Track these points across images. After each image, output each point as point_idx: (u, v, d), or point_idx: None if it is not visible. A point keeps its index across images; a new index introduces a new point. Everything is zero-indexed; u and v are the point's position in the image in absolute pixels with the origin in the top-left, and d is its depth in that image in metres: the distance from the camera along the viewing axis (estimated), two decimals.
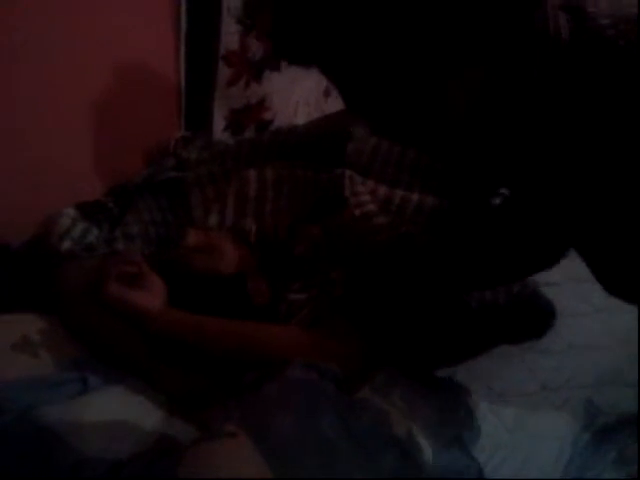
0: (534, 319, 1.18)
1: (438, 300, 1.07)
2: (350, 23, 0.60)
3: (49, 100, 1.22)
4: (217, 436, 0.70)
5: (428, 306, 1.04)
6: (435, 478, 0.84)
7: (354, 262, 1.08)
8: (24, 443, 0.80)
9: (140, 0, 1.31)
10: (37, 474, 0.77)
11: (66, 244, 1.16)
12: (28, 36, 1.13)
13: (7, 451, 0.79)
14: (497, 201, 1.14)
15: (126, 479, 0.73)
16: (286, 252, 1.13)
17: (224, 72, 1.51)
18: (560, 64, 0.63)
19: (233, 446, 0.67)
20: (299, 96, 1.79)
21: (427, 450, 0.87)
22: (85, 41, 1.23)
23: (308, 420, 0.69)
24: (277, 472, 0.65)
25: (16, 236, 1.20)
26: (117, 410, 0.86)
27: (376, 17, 0.59)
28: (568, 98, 0.65)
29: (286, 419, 0.69)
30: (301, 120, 1.82)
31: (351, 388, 0.85)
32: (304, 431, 0.68)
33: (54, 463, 0.78)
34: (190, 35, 1.42)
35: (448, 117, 0.66)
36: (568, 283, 1.31)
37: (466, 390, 0.99)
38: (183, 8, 1.37)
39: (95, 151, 1.34)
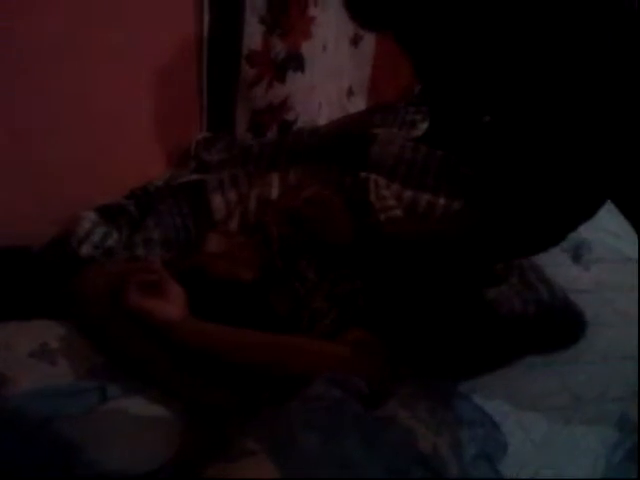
0: (565, 328, 1.15)
1: (464, 304, 1.04)
2: None
3: (70, 102, 1.20)
4: (237, 454, 0.67)
5: (455, 315, 1.02)
6: None
7: (377, 270, 1.05)
8: (43, 454, 0.78)
9: (161, 0, 1.29)
10: None
11: (86, 248, 1.16)
12: (48, 36, 1.11)
13: (25, 462, 0.78)
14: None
15: None
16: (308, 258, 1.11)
17: (247, 72, 1.48)
18: (632, 35, 0.63)
19: (253, 466, 0.65)
20: (322, 96, 1.77)
21: (453, 466, 0.84)
22: (106, 42, 1.22)
23: (331, 440, 0.67)
24: None
25: (37, 239, 1.19)
26: (136, 422, 0.84)
27: None
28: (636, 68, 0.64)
29: (309, 439, 0.66)
30: (324, 120, 1.80)
31: (376, 402, 0.83)
32: (327, 451, 0.66)
33: (71, 475, 0.76)
34: (212, 35, 1.39)
35: (511, 82, 0.66)
36: (599, 292, 1.27)
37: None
38: (205, 8, 1.35)
39: (116, 153, 1.33)
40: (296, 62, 1.58)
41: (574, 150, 0.75)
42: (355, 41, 1.83)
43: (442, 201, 1.17)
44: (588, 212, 0.93)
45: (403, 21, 0.66)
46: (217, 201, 1.24)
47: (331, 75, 1.77)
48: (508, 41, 0.62)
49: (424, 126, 1.47)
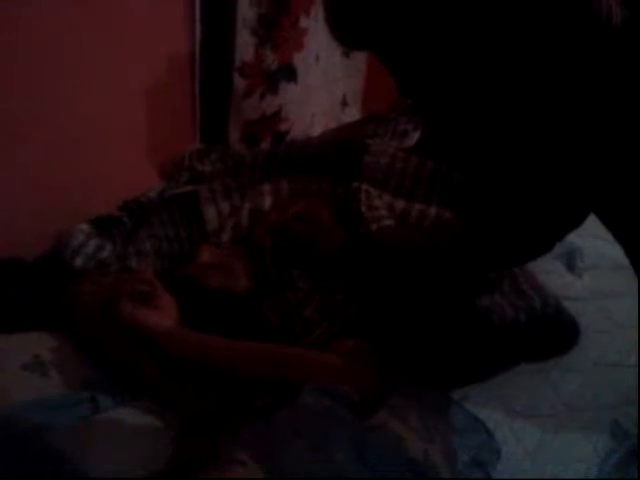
0: (557, 336, 1.15)
1: (456, 313, 1.04)
2: (405, 9, 0.62)
3: (61, 112, 1.21)
4: (227, 463, 0.67)
5: (447, 324, 1.02)
6: None
7: (369, 280, 1.05)
8: (32, 464, 0.78)
9: (154, 11, 1.29)
10: None
11: (79, 260, 1.16)
12: (40, 47, 1.12)
13: (17, 473, 0.78)
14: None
15: None
16: (302, 267, 1.11)
17: (239, 83, 1.49)
18: (609, 51, 0.63)
19: (243, 475, 0.65)
20: (316, 107, 1.77)
21: (445, 473, 0.84)
22: (99, 53, 1.23)
23: (321, 449, 0.67)
24: None
25: (29, 251, 1.20)
26: (128, 432, 0.84)
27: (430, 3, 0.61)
28: (615, 84, 0.65)
29: (298, 448, 0.66)
30: (318, 131, 1.81)
31: (367, 411, 0.83)
32: (316, 460, 0.66)
33: None
34: (204, 47, 1.40)
35: (495, 100, 0.67)
36: (592, 299, 1.27)
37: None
38: (197, 20, 1.36)
39: (110, 164, 1.33)
40: (288, 73, 1.58)
41: (560, 161, 0.76)
42: (347, 52, 1.84)
43: (433, 211, 1.18)
44: (576, 220, 0.94)
45: (385, 41, 0.66)
46: (210, 212, 1.24)
47: (324, 86, 1.78)
48: (490, 58, 0.63)
49: (416, 136, 1.47)
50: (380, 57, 0.70)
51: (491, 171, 1.11)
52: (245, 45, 1.44)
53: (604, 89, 0.65)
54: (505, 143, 0.81)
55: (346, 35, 0.69)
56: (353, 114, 1.98)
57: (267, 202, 1.23)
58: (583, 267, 1.38)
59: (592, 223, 1.51)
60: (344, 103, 1.94)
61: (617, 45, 0.63)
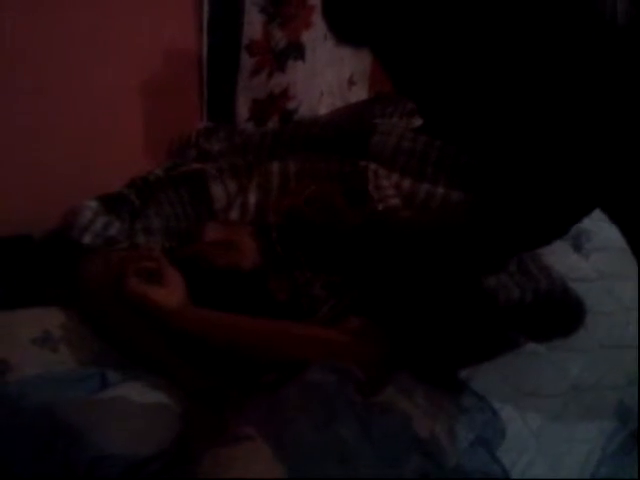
0: (563, 317, 1.15)
1: (461, 292, 1.04)
2: (402, 5, 0.60)
3: (70, 92, 1.21)
4: (235, 439, 0.68)
5: (452, 302, 1.02)
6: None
7: (380, 260, 1.05)
8: (42, 439, 0.79)
9: None
10: (54, 469, 0.77)
11: (88, 237, 1.16)
12: (50, 27, 1.12)
13: (25, 446, 0.79)
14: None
15: None
16: (308, 245, 1.11)
17: (247, 62, 1.48)
18: (614, 50, 0.62)
19: (251, 451, 0.66)
20: (323, 85, 1.76)
21: (451, 452, 0.84)
22: (107, 32, 1.22)
23: (327, 425, 0.67)
24: (295, 478, 0.64)
25: (38, 227, 1.20)
26: (136, 407, 0.85)
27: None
28: (619, 83, 0.63)
29: (305, 424, 0.67)
30: (325, 110, 1.80)
31: (373, 389, 0.83)
32: (323, 437, 0.66)
33: (71, 459, 0.77)
34: (212, 25, 1.39)
35: (497, 97, 0.65)
36: (599, 280, 1.27)
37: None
38: None
39: (117, 142, 1.33)
40: (296, 51, 1.57)
41: (572, 148, 0.76)
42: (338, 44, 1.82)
43: (441, 191, 1.17)
44: (590, 205, 0.93)
45: (381, 36, 0.64)
46: (217, 191, 1.24)
47: (332, 64, 1.77)
48: (489, 55, 0.62)
49: None
50: (376, 54, 0.69)
51: (501, 157, 1.11)
52: (253, 23, 1.43)
53: (608, 87, 0.64)
54: (510, 137, 0.81)
55: (341, 27, 0.67)
56: (360, 93, 1.97)
57: (275, 181, 1.23)
58: (590, 248, 1.37)
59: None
60: (351, 82, 1.92)
61: (622, 44, 0.62)
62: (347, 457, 0.66)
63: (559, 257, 1.28)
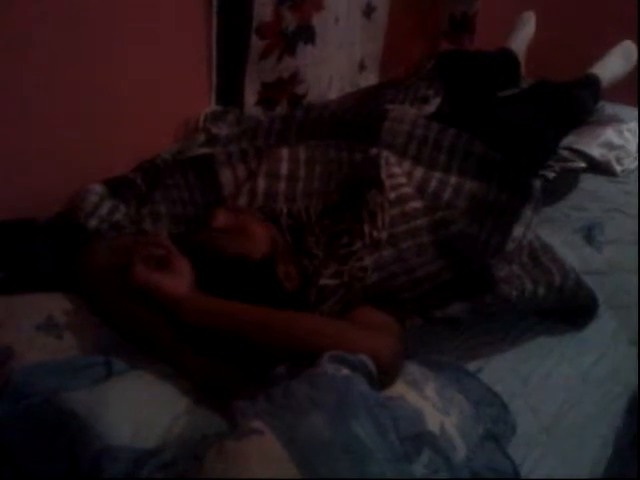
0: (575, 309, 1.13)
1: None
2: None
3: (79, 75, 1.19)
4: (243, 433, 0.67)
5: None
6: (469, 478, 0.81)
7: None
8: (48, 427, 0.78)
9: None
10: (60, 459, 0.76)
11: (93, 222, 1.14)
12: (63, 12, 1.11)
13: (30, 435, 0.78)
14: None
15: (150, 474, 0.71)
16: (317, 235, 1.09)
17: (257, 45, 1.46)
18: None
19: (260, 446, 0.64)
20: (333, 70, 1.74)
21: (461, 446, 0.83)
22: (115, 15, 1.20)
23: (338, 420, 0.66)
24: (306, 474, 0.62)
25: (42, 210, 1.18)
26: (142, 397, 0.84)
27: None
28: None
29: (316, 419, 0.65)
30: (335, 95, 1.77)
31: (384, 381, 0.82)
32: (334, 431, 0.65)
33: (77, 449, 0.76)
34: (222, 6, 1.37)
35: None
36: (611, 273, 1.26)
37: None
38: None
39: (124, 125, 1.31)
40: (307, 34, 1.55)
41: None
42: (368, 12, 1.79)
43: (453, 179, 1.15)
44: None
45: None
46: (226, 176, 1.22)
47: (342, 48, 1.74)
48: None
49: (436, 102, 1.44)
50: None
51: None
52: (263, 5, 1.41)
53: None
54: None
55: None
56: (371, 78, 1.94)
57: (284, 167, 1.21)
58: (603, 241, 1.36)
59: (613, 197, 1.50)
60: (362, 66, 1.90)
61: None
62: (361, 455, 0.65)
63: (572, 250, 1.26)
